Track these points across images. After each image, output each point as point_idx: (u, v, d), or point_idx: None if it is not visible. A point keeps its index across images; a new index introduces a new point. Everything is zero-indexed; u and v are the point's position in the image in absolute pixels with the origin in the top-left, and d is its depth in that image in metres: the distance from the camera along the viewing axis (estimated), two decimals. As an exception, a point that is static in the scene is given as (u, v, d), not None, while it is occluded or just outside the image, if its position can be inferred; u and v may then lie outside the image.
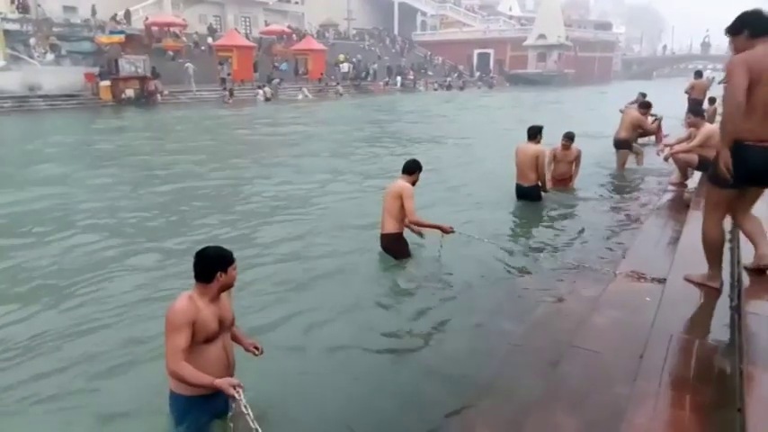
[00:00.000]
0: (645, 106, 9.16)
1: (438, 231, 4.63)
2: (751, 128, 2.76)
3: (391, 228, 4.68)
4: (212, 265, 2.33)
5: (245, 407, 2.14)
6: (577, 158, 7.36)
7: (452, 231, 4.65)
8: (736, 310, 2.90)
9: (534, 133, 6.60)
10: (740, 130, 2.77)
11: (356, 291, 4.19)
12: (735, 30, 2.89)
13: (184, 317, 2.25)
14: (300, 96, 27.65)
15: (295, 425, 2.67)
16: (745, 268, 3.29)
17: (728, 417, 2.08)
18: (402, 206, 4.57)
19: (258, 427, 2.09)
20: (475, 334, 3.49)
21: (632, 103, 11.51)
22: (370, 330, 3.56)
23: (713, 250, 3.23)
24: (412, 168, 4.69)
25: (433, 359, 3.22)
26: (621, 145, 8.58)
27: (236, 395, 2.17)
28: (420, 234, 4.95)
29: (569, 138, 7.26)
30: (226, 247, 2.43)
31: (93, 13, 29.98)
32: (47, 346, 3.36)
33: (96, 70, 22.56)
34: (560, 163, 7.36)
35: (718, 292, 3.25)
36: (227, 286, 2.41)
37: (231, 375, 2.41)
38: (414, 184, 4.70)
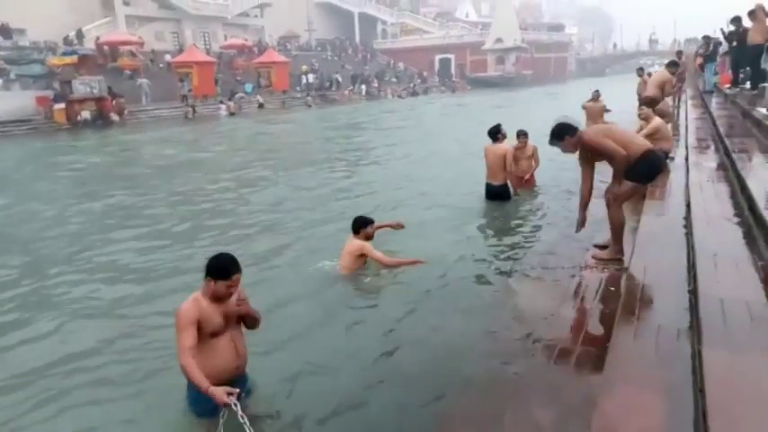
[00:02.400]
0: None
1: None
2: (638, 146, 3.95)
3: (346, 270, 4.74)
4: (207, 270, 2.55)
5: (242, 417, 2.25)
6: (534, 154, 7.63)
7: (422, 263, 4.75)
8: (693, 294, 3.05)
9: (494, 133, 6.80)
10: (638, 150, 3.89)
11: (329, 305, 4.20)
12: (560, 137, 3.97)
13: (187, 317, 2.47)
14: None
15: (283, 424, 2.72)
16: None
17: (691, 397, 2.19)
18: (357, 258, 4.68)
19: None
20: (449, 336, 3.53)
21: (590, 100, 12.03)
22: (345, 339, 3.59)
23: (622, 230, 4.19)
24: (356, 228, 4.76)
25: (410, 362, 3.25)
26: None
27: (232, 405, 2.29)
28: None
29: (524, 134, 7.52)
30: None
31: (80, 36, 29.35)
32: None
33: (50, 93, 21.80)
34: (520, 160, 7.57)
35: (672, 275, 3.42)
36: (218, 296, 2.54)
37: (241, 366, 2.68)
38: (369, 237, 4.75)
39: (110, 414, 2.90)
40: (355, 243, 4.73)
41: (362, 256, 4.71)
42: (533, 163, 7.66)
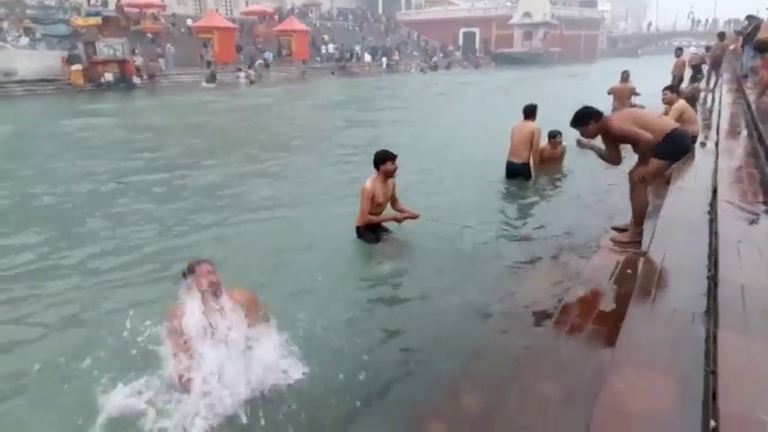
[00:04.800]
0: None
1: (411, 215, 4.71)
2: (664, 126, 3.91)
3: (358, 221, 4.75)
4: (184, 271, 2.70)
5: None
6: (563, 153, 7.58)
7: (408, 218, 4.68)
8: (713, 279, 2.99)
9: (530, 112, 6.75)
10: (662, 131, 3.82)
11: (342, 271, 4.24)
12: (583, 122, 3.92)
13: (172, 325, 2.57)
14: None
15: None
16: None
17: (702, 378, 2.17)
18: (366, 201, 4.59)
19: None
20: (460, 308, 3.54)
21: (619, 81, 11.64)
22: (356, 305, 3.62)
23: (644, 213, 4.14)
24: (374, 162, 4.62)
25: (419, 333, 3.27)
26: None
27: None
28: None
29: (559, 134, 7.33)
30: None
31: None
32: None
33: (65, 54, 21.86)
34: (548, 159, 7.46)
35: (692, 260, 3.36)
36: (203, 287, 2.61)
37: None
38: (388, 175, 4.59)
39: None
40: (366, 182, 4.63)
41: (371, 201, 4.58)
42: (560, 162, 7.57)
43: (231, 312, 2.61)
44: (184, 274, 2.68)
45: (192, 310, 2.57)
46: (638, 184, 4.00)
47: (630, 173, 4.07)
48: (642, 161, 3.96)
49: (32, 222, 5.56)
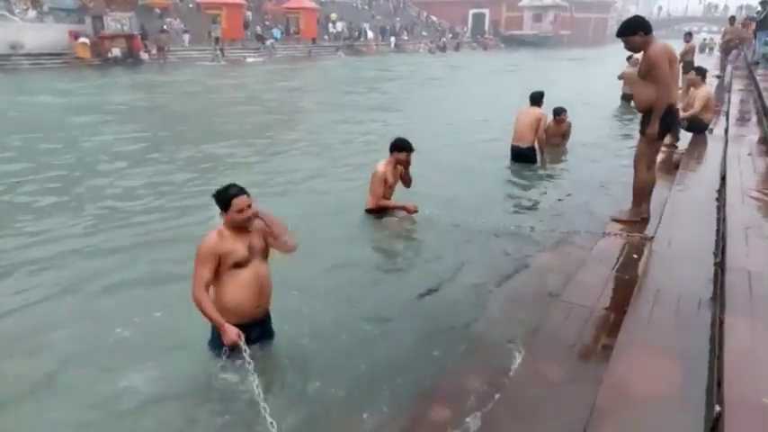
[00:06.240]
0: None
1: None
2: (675, 96, 3.87)
3: (368, 204, 4.73)
4: (218, 205, 2.52)
5: (249, 363, 2.35)
6: (568, 129, 7.58)
7: (416, 211, 4.66)
8: (720, 266, 2.99)
9: (537, 98, 6.75)
10: (672, 99, 3.80)
11: (345, 253, 4.22)
12: (631, 31, 3.68)
13: (207, 249, 2.45)
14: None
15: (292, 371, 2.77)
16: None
17: (707, 363, 2.19)
18: (376, 185, 4.59)
19: (257, 382, 2.29)
20: (465, 292, 3.56)
21: (629, 65, 11.46)
22: (362, 287, 3.64)
23: (643, 191, 4.15)
24: (390, 148, 4.60)
25: (425, 317, 3.29)
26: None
27: (241, 345, 2.40)
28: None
29: (564, 111, 7.41)
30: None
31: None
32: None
33: (75, 27, 21.71)
34: (553, 137, 7.43)
35: (700, 246, 3.36)
36: (238, 224, 2.50)
37: (262, 305, 2.65)
38: (399, 163, 4.55)
39: (130, 351, 2.90)
40: (378, 165, 4.61)
41: (383, 184, 4.57)
42: (565, 141, 7.57)
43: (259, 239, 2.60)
44: (222, 207, 2.50)
45: (233, 236, 2.50)
46: (641, 162, 3.99)
47: (636, 155, 4.05)
48: (643, 127, 3.91)
49: None
